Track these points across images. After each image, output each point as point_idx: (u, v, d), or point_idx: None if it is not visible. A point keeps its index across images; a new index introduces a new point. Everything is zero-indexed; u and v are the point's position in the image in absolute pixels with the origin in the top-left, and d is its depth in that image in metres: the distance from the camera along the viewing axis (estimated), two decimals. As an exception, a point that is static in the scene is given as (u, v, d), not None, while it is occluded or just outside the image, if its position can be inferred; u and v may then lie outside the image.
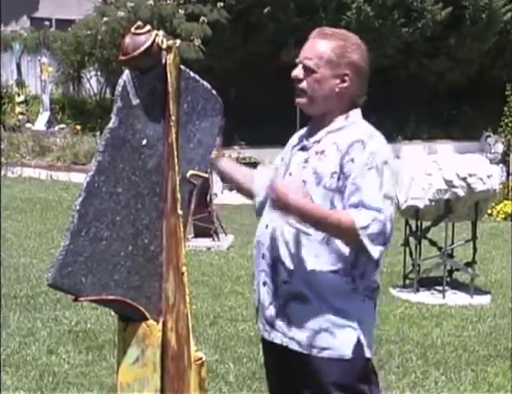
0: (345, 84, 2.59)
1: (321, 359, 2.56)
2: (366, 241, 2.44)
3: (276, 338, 2.64)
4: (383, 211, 2.47)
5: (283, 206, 2.44)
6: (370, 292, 2.63)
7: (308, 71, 2.59)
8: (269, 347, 2.73)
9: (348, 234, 2.46)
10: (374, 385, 2.66)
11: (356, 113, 2.65)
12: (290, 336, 2.60)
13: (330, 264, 2.54)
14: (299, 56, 2.65)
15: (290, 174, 2.65)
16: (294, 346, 2.60)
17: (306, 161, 2.61)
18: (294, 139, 2.78)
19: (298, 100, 2.64)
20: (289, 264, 2.58)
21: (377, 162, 2.50)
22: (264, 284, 2.66)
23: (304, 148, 2.66)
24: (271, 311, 2.64)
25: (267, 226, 2.66)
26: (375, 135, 2.58)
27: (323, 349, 2.56)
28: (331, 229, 2.48)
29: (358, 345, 2.58)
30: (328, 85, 2.59)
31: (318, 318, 2.56)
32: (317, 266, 2.55)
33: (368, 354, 2.61)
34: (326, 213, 2.48)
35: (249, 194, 2.86)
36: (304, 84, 2.60)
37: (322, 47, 2.59)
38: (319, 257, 2.55)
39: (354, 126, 2.60)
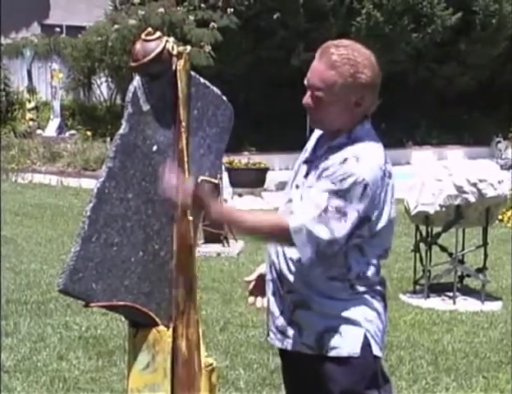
0: (359, 108, 2.55)
1: (330, 358, 2.57)
2: (295, 241, 2.46)
3: (289, 345, 2.64)
4: (319, 226, 2.44)
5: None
6: (376, 293, 2.63)
7: (319, 101, 2.52)
8: (282, 354, 2.75)
9: (281, 235, 2.48)
10: (383, 384, 2.66)
11: (361, 128, 2.58)
12: (301, 342, 2.61)
13: (327, 272, 2.55)
14: (307, 75, 2.56)
15: (297, 187, 2.63)
16: (305, 350, 2.61)
17: (306, 176, 2.61)
18: (309, 143, 2.74)
19: (314, 124, 2.62)
20: (290, 275, 2.60)
21: (346, 181, 2.45)
22: (274, 294, 2.67)
23: (306, 162, 2.65)
24: (281, 320, 2.65)
25: None
26: (362, 155, 2.50)
27: (332, 348, 2.57)
28: (265, 232, 2.53)
29: (366, 343, 2.58)
30: (341, 109, 2.53)
31: (325, 321, 2.57)
32: (316, 275, 2.55)
33: (376, 352, 2.61)
34: (254, 219, 2.54)
35: None
36: (318, 115, 2.56)
37: (332, 76, 2.49)
38: (317, 267, 2.54)
39: (354, 145, 2.54)
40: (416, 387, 4.61)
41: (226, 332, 5.50)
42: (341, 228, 2.45)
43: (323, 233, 2.44)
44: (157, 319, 2.62)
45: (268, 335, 2.74)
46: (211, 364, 2.58)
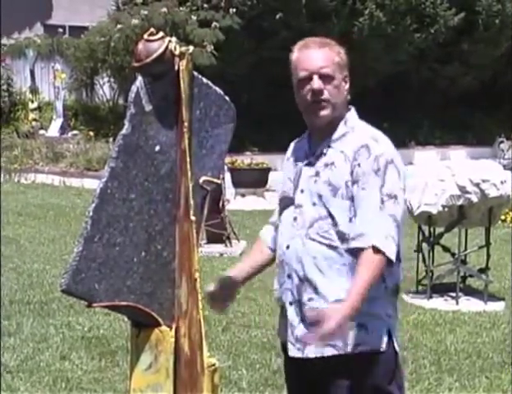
0: (348, 85, 2.64)
1: (356, 355, 2.56)
2: (386, 252, 2.49)
3: (311, 352, 2.60)
4: (385, 216, 2.50)
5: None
6: (396, 294, 2.66)
7: (328, 78, 2.58)
8: (297, 363, 2.68)
9: (384, 261, 2.50)
10: (401, 379, 2.69)
11: (353, 115, 2.67)
12: (325, 344, 2.56)
13: None
14: (303, 67, 2.61)
15: (302, 191, 2.63)
16: (329, 352, 2.58)
17: (317, 174, 2.61)
18: (292, 153, 2.76)
19: (323, 113, 2.59)
20: (317, 279, 2.57)
21: (379, 164, 2.53)
22: (291, 303, 2.64)
23: (310, 164, 2.64)
24: (301, 328, 2.61)
25: (288, 246, 2.64)
26: (377, 136, 2.61)
27: (357, 345, 2.56)
28: (377, 274, 2.51)
29: (390, 338, 2.60)
30: (343, 89, 2.63)
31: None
32: (348, 276, 2.54)
33: (397, 347, 2.63)
34: (365, 276, 2.47)
35: (269, 261, 2.85)
36: (326, 94, 2.58)
37: (329, 53, 2.61)
38: (348, 266, 2.55)
39: (355, 130, 2.62)
40: (419, 387, 4.61)
41: (229, 333, 5.50)
42: (398, 210, 2.54)
43: (392, 224, 2.51)
44: (159, 319, 2.61)
45: (286, 350, 2.70)
46: (213, 365, 2.58)
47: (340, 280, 2.55)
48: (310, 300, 2.59)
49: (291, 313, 2.65)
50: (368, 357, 2.56)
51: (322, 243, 2.56)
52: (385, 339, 2.58)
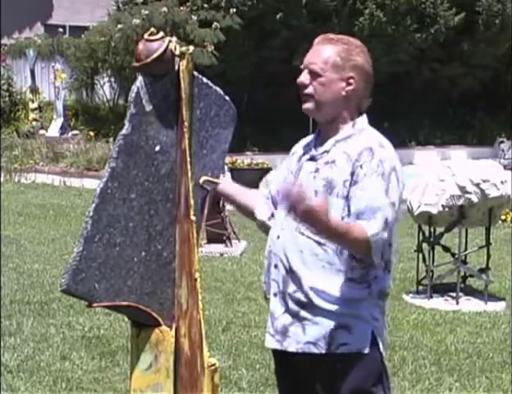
0: (351, 87, 2.61)
1: (339, 355, 2.57)
2: (373, 248, 2.49)
3: (290, 346, 2.62)
4: (385, 217, 2.50)
5: (302, 213, 2.38)
6: (383, 298, 2.65)
7: (314, 75, 2.60)
8: (281, 357, 2.71)
9: (361, 246, 2.49)
10: (386, 381, 2.68)
11: (363, 120, 2.66)
12: (306, 341, 2.58)
13: (345, 272, 2.55)
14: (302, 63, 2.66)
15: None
16: (310, 349, 2.58)
17: (316, 170, 2.62)
18: (298, 149, 2.77)
19: (305, 106, 2.63)
20: (301, 273, 2.58)
21: (384, 169, 2.53)
22: (275, 294, 2.65)
23: (312, 159, 2.65)
24: (283, 320, 2.63)
25: (278, 236, 2.65)
26: (383, 142, 2.61)
27: (341, 345, 2.56)
28: (347, 244, 2.51)
29: (374, 340, 2.59)
30: (335, 89, 2.60)
31: (333, 318, 2.56)
32: (332, 274, 2.55)
33: (381, 349, 2.63)
34: (344, 229, 2.48)
35: (250, 214, 2.86)
36: (310, 89, 2.61)
37: (326, 51, 2.60)
38: (333, 265, 2.56)
39: (362, 134, 2.62)
40: (419, 387, 4.61)
41: (229, 332, 5.50)
42: (391, 216, 2.53)
43: (385, 229, 2.50)
44: (159, 319, 2.62)
45: (267, 339, 2.71)
46: (213, 364, 2.58)
47: (324, 278, 2.55)
48: (295, 292, 2.59)
49: (274, 303, 2.65)
50: (351, 358, 2.56)
51: (310, 238, 2.57)
52: (369, 341, 2.57)
